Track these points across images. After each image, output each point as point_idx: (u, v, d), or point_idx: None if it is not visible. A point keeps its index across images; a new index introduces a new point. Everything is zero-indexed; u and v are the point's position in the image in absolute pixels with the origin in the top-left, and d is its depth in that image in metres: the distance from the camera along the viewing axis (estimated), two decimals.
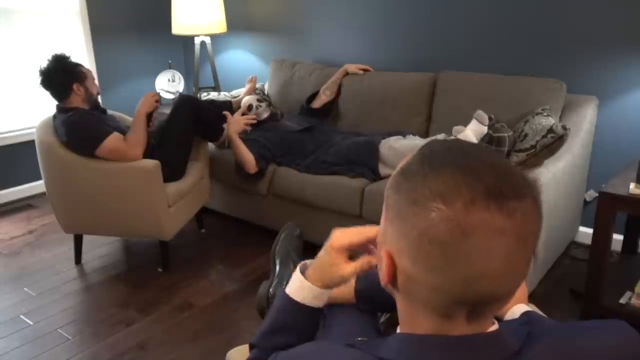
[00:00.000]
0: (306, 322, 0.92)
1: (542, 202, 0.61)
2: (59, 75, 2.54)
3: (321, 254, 0.92)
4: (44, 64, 2.55)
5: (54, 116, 2.61)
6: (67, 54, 2.61)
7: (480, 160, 0.59)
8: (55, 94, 2.57)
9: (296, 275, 0.94)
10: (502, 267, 0.57)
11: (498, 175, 0.58)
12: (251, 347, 0.96)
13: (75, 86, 2.55)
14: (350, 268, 0.89)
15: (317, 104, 3.25)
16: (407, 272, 0.61)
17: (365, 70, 3.29)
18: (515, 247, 0.57)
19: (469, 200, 0.56)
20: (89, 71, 2.65)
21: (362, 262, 0.90)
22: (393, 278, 0.64)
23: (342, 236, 0.91)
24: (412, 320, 0.65)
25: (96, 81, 2.73)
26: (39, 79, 2.54)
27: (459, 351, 0.61)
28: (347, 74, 3.29)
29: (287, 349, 0.85)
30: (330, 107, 3.29)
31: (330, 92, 3.26)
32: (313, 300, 0.91)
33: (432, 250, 0.57)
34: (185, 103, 2.78)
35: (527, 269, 0.61)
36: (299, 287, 0.92)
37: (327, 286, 0.91)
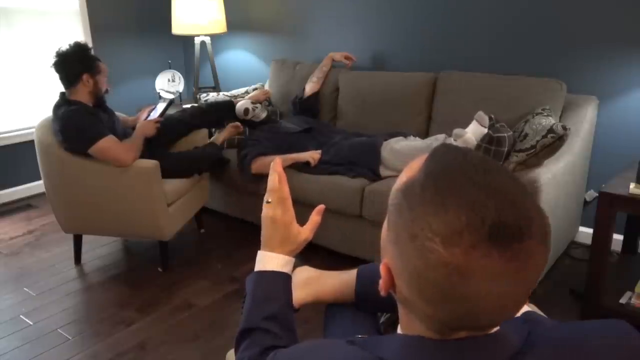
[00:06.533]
0: (283, 288, 0.97)
1: (550, 234, 0.58)
2: (74, 62, 2.52)
3: (271, 229, 0.97)
4: (64, 47, 2.53)
5: (57, 105, 2.57)
6: (89, 45, 2.60)
7: (486, 190, 0.56)
8: (64, 79, 2.55)
9: (260, 254, 0.99)
10: (501, 304, 0.57)
11: (505, 209, 0.55)
12: (238, 342, 0.95)
13: (85, 77, 2.53)
14: (308, 231, 1.00)
15: (307, 90, 3.31)
16: (404, 294, 0.62)
17: (348, 59, 3.33)
18: (515, 286, 0.56)
19: (470, 246, 0.54)
20: (105, 69, 2.64)
21: (314, 220, 1.00)
22: (391, 290, 0.65)
23: (282, 212, 0.97)
24: (411, 324, 0.66)
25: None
26: (53, 60, 2.51)
27: (460, 353, 0.61)
28: (333, 60, 3.36)
29: (278, 342, 0.90)
30: (317, 99, 3.33)
31: (317, 79, 3.33)
32: (283, 268, 0.98)
33: (428, 288, 0.57)
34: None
35: (528, 294, 0.60)
36: (267, 261, 0.98)
37: (293, 253, 1.00)
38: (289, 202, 0.99)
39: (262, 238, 0.99)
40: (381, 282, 0.65)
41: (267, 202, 0.98)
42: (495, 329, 0.64)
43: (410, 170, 0.63)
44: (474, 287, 0.55)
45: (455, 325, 0.60)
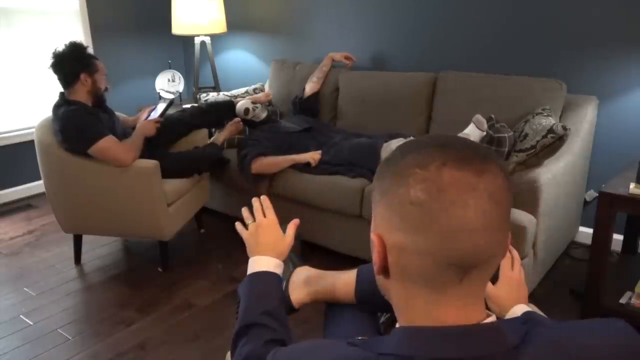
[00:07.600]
0: (278, 287, 1.05)
1: (508, 174, 0.67)
2: (71, 62, 2.52)
3: (259, 236, 1.12)
4: (60, 47, 2.53)
5: (57, 105, 2.57)
6: (85, 44, 2.60)
7: (451, 139, 0.68)
8: (63, 79, 2.55)
9: (251, 260, 1.09)
10: (479, 221, 0.61)
11: (466, 147, 0.66)
12: (235, 342, 0.96)
13: (83, 76, 2.53)
14: (290, 237, 1.13)
15: (308, 90, 3.31)
16: (395, 243, 0.64)
17: (348, 59, 3.33)
18: (488, 203, 0.62)
19: (441, 163, 0.63)
20: (103, 67, 2.64)
21: (293, 226, 1.15)
22: (385, 260, 0.66)
23: (265, 217, 1.15)
24: (408, 305, 0.66)
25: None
26: (50, 61, 2.51)
27: (457, 341, 0.62)
28: (333, 60, 3.37)
29: (277, 335, 0.94)
30: (317, 99, 3.33)
31: (317, 79, 3.33)
32: (275, 269, 1.07)
33: (413, 211, 0.62)
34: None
35: (504, 228, 0.65)
36: (260, 264, 1.07)
37: (281, 257, 1.10)
38: (271, 210, 1.16)
39: (249, 252, 1.10)
40: (375, 254, 0.67)
41: (248, 223, 1.13)
42: (491, 318, 0.65)
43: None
44: (450, 197, 0.61)
45: (442, 254, 0.61)
